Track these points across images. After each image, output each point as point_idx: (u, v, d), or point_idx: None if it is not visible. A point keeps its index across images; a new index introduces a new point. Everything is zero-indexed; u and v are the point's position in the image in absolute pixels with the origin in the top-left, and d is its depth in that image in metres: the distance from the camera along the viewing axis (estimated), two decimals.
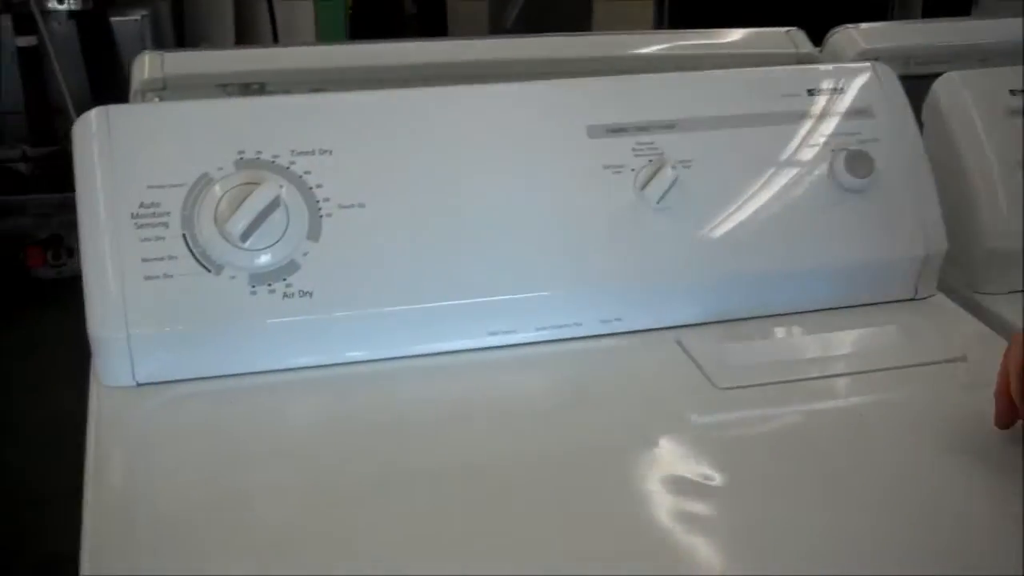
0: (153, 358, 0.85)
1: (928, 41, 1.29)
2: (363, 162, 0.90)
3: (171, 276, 0.85)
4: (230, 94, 1.08)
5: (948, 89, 1.08)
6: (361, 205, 0.89)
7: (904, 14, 3.05)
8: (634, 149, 0.95)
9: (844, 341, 0.94)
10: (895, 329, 0.96)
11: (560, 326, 0.93)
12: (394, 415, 0.84)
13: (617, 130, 0.95)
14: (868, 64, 1.02)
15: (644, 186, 0.93)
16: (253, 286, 0.86)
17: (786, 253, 0.95)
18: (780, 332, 0.95)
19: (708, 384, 0.87)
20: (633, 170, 0.94)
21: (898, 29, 1.43)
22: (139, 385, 0.86)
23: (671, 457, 0.80)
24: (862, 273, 0.98)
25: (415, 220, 0.89)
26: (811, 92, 1.00)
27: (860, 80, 1.01)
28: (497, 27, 3.48)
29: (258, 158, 0.88)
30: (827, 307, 0.98)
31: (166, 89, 1.06)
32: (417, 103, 0.94)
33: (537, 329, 0.92)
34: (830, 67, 1.04)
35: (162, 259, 0.85)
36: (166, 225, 0.85)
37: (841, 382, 0.90)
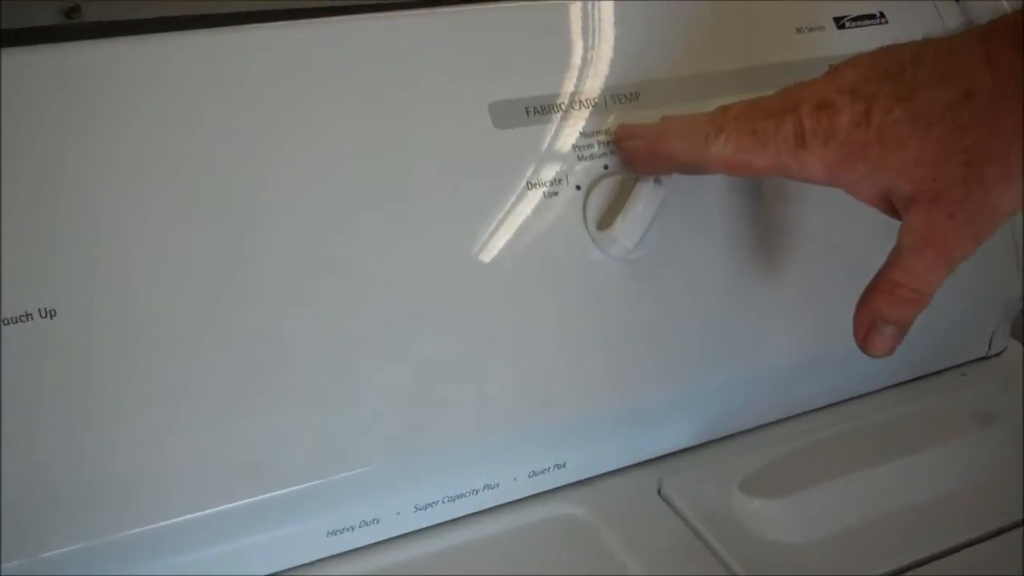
0: None
1: None
2: (49, 211, 0.41)
3: None
4: None
5: None
6: (47, 314, 0.41)
7: None
8: (575, 146, 0.50)
9: (925, 469, 0.55)
10: (1003, 431, 0.57)
11: (457, 497, 0.49)
12: None
13: (542, 109, 0.50)
14: None
15: (604, 223, 0.49)
16: None
17: (829, 322, 0.54)
18: (818, 457, 0.55)
19: None
20: (579, 188, 0.50)
21: None
22: None
23: None
24: (932, 336, 0.57)
25: (172, 329, 0.42)
26: (840, 23, 0.58)
27: (912, 12, 0.60)
28: None
29: None
30: (869, 391, 0.59)
31: None
32: (173, 62, 0.44)
33: (417, 510, 0.48)
34: None
35: None
36: None
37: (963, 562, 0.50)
